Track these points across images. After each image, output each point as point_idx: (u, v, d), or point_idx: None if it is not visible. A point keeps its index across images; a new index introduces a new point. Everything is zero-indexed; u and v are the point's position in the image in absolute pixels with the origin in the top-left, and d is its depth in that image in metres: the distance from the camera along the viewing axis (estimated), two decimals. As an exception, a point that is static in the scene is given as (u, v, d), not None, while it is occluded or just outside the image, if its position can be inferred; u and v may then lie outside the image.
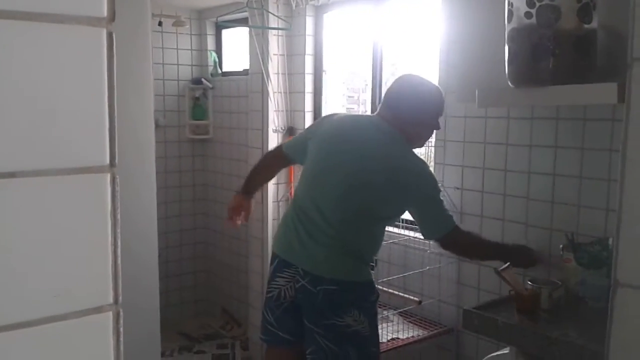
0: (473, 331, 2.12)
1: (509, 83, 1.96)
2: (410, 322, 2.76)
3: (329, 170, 2.13)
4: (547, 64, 1.83)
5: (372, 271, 2.19)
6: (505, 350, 2.06)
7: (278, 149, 2.52)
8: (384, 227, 2.21)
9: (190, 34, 4.24)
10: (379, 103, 2.30)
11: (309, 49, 3.49)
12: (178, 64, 4.22)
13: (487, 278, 2.50)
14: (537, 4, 1.80)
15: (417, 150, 2.26)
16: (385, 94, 2.24)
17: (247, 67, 3.73)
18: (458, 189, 2.64)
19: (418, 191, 2.11)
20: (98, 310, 0.59)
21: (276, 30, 3.47)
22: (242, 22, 3.74)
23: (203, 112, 4.28)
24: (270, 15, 3.41)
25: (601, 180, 2.13)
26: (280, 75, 3.52)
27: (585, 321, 1.95)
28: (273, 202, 3.55)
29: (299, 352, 2.19)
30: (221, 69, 4.28)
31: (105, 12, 0.56)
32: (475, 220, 2.57)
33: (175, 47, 4.20)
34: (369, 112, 3.13)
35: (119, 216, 0.59)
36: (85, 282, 0.59)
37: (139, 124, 1.90)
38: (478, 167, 2.56)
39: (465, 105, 2.50)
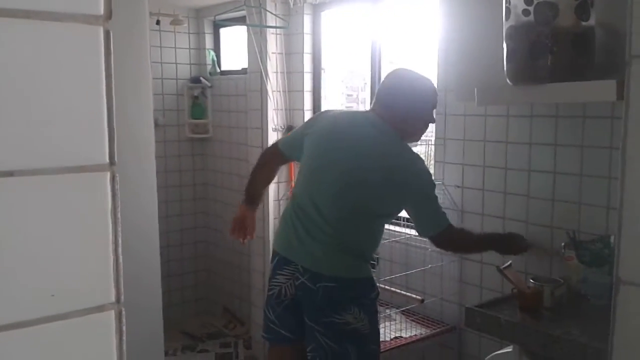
0: (475, 329, 2.12)
1: (508, 81, 1.96)
2: (412, 320, 2.76)
3: (325, 167, 2.13)
4: (545, 61, 1.83)
5: (373, 269, 2.19)
6: (509, 349, 2.06)
7: (274, 146, 2.49)
8: (383, 225, 2.21)
9: (189, 33, 4.24)
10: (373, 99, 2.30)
11: (307, 47, 3.49)
12: (176, 63, 4.22)
13: (489, 276, 2.50)
14: (535, 2, 1.79)
15: (418, 150, 2.26)
16: (378, 91, 2.24)
17: (245, 65, 3.73)
18: (458, 187, 2.64)
19: (415, 190, 2.11)
20: (100, 309, 0.59)
21: (274, 29, 3.47)
22: (240, 20, 3.73)
23: (202, 111, 4.27)
24: (268, 13, 3.41)
25: (601, 178, 2.13)
26: (279, 74, 3.52)
27: (588, 319, 1.94)
28: (274, 200, 3.55)
29: (301, 350, 2.19)
30: (220, 67, 4.27)
31: (102, 10, 0.56)
32: (476, 218, 2.56)
33: (174, 45, 4.19)
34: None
35: (119, 215, 0.59)
36: (86, 281, 0.58)
37: (138, 123, 1.89)
38: (478, 165, 2.56)
39: (465, 103, 2.50)
